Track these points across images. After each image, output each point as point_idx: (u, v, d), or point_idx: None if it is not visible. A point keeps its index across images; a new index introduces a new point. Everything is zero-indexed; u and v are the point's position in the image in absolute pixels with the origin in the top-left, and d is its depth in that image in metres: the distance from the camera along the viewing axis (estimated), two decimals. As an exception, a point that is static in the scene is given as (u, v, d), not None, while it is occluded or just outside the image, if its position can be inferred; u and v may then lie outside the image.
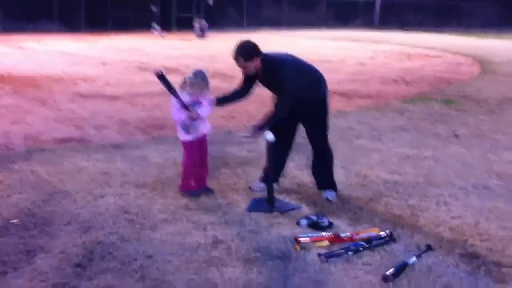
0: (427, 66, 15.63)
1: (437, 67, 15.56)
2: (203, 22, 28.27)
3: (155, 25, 29.78)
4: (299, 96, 4.44)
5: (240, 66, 4.54)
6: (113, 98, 9.49)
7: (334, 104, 9.29)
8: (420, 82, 12.22)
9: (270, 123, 4.49)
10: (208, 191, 4.67)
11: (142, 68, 13.89)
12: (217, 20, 35.51)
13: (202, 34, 27.46)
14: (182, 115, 4.42)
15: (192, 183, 4.64)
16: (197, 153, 4.61)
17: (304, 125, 4.69)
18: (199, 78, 4.43)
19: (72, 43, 22.54)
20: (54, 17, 31.97)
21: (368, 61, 16.73)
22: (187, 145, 4.61)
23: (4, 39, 22.61)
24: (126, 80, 11.80)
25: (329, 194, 4.59)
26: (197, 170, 4.64)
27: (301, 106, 4.49)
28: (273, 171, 4.58)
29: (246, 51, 4.51)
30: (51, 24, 31.28)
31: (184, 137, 4.58)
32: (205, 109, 4.52)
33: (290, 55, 4.77)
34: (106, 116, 7.97)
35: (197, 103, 4.46)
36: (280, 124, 4.54)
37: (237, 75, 12.78)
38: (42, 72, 12.55)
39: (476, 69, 15.35)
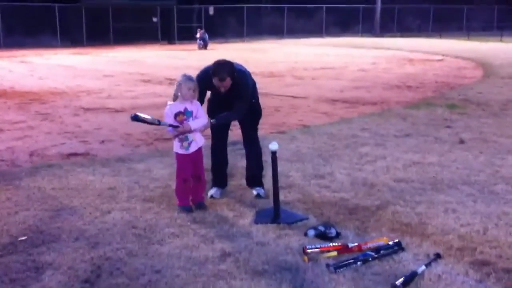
0: (429, 71, 15.65)
1: (438, 71, 15.58)
2: (204, 32, 28.37)
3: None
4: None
5: (224, 85, 4.66)
6: (116, 110, 9.52)
7: (337, 111, 9.35)
8: (422, 87, 12.23)
9: (225, 119, 4.87)
10: (201, 207, 4.62)
11: (144, 80, 13.94)
12: (218, 30, 35.63)
13: (203, 44, 27.56)
14: (174, 123, 4.40)
15: (187, 198, 4.59)
16: (189, 167, 4.57)
17: (244, 125, 5.15)
18: (187, 78, 4.41)
19: (74, 56, 22.66)
20: (56, 31, 32.14)
21: (369, 67, 16.76)
22: (179, 157, 4.58)
23: (6, 55, 22.74)
24: (128, 92, 11.84)
25: (259, 191, 4.95)
26: (189, 185, 4.59)
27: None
28: (217, 173, 5.09)
29: (232, 70, 4.71)
30: (52, 38, 31.47)
31: (175, 149, 4.55)
32: (199, 121, 4.50)
33: (239, 64, 5.09)
34: (110, 129, 7.99)
35: (191, 112, 4.43)
36: (221, 127, 4.98)
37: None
38: (45, 87, 12.61)
39: (478, 72, 15.35)
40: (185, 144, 4.48)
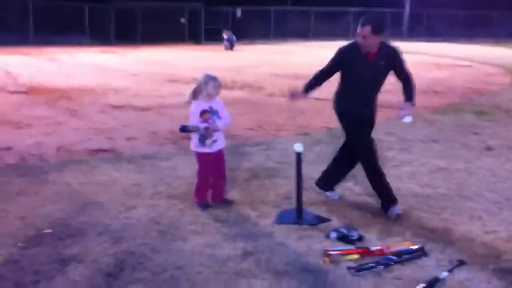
0: (457, 76, 15.46)
1: (466, 77, 15.39)
2: (231, 33, 28.46)
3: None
4: None
5: (363, 36, 4.35)
6: (143, 109, 9.61)
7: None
8: (450, 93, 12.10)
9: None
10: (226, 203, 4.67)
11: (171, 80, 14.04)
12: (245, 32, 35.68)
13: (230, 45, 27.64)
14: (200, 124, 4.43)
15: (205, 195, 4.64)
16: (211, 166, 4.60)
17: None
18: (213, 77, 4.46)
19: (102, 55, 22.93)
20: (85, 30, 32.57)
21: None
22: (201, 157, 4.61)
23: (36, 52, 23.12)
24: (155, 91, 11.94)
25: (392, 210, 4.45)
26: (210, 183, 4.64)
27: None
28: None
29: (377, 23, 4.40)
30: (82, 37, 31.89)
31: (197, 148, 4.57)
32: (224, 120, 4.53)
33: None
34: (136, 127, 8.07)
35: (216, 111, 4.46)
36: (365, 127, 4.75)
37: (265, 86, 12.92)
38: (73, 84, 12.79)
39: (506, 79, 15.12)
40: (208, 142, 4.50)
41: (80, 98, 10.70)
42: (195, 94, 4.47)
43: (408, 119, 4.62)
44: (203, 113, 4.44)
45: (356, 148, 4.73)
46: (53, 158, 6.24)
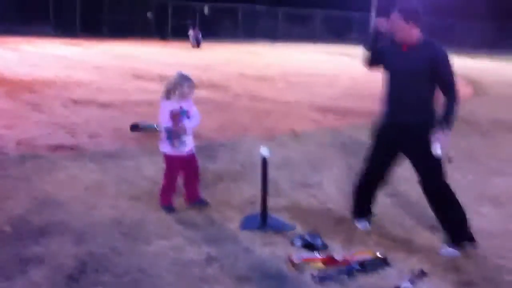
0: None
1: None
2: (198, 31, 28.31)
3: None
4: None
5: (392, 22, 3.85)
6: (107, 105, 9.46)
7: (328, 119, 9.37)
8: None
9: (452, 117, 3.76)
10: (202, 203, 4.65)
11: (137, 76, 13.88)
12: (212, 29, 35.56)
13: (196, 43, 27.50)
14: (169, 123, 4.38)
15: (170, 198, 4.60)
16: (178, 168, 4.56)
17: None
18: (187, 77, 4.42)
19: (66, 47, 22.50)
20: (49, 20, 31.90)
21: (362, 77, 16.79)
22: (168, 159, 4.56)
23: (-2, 41, 22.53)
24: (120, 87, 11.78)
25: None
26: (174, 186, 4.60)
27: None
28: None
29: (409, 9, 3.82)
30: (46, 27, 31.22)
31: (166, 149, 4.52)
32: (194, 121, 4.49)
33: None
34: (99, 123, 7.94)
35: (186, 111, 4.42)
36: (380, 149, 4.21)
37: (230, 86, 12.88)
38: (36, 76, 12.50)
39: (468, 90, 15.45)
40: (177, 143, 4.44)
41: (42, 91, 10.47)
42: (168, 94, 4.40)
43: (438, 151, 3.77)
44: (173, 113, 4.38)
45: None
46: (12, 152, 6.07)
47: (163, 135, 4.47)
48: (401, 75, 3.93)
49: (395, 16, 3.80)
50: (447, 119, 3.75)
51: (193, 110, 4.50)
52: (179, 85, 4.35)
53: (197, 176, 4.70)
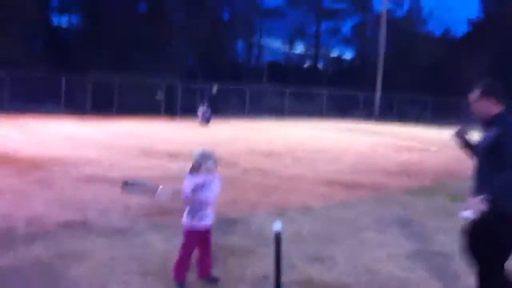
0: (427, 160, 15.78)
1: (437, 160, 15.72)
2: (206, 109, 28.82)
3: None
4: None
5: (474, 105, 4.00)
6: (116, 182, 9.47)
7: (336, 194, 9.34)
8: (421, 175, 12.29)
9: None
10: (214, 281, 4.58)
11: (146, 153, 14.00)
12: (220, 107, 36.20)
13: (205, 120, 27.93)
14: (191, 195, 4.37)
15: (184, 273, 4.53)
16: (197, 241, 4.53)
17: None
18: (208, 153, 4.52)
19: (76, 125, 22.88)
20: (60, 99, 32.66)
21: (368, 152, 16.91)
22: (188, 231, 4.53)
23: (9, 119, 22.97)
24: (129, 164, 11.86)
25: None
26: (189, 260, 4.55)
27: None
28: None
29: (487, 85, 3.96)
30: (57, 105, 31.91)
31: (188, 222, 4.50)
32: (214, 192, 4.50)
33: None
34: (109, 200, 7.93)
35: (208, 184, 4.45)
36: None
37: (239, 161, 12.95)
38: (46, 154, 12.63)
39: (476, 164, 15.46)
40: (199, 216, 4.44)
41: (52, 169, 10.54)
42: (193, 169, 4.46)
43: (468, 215, 3.77)
44: (196, 186, 4.40)
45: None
46: (22, 231, 6.04)
47: (186, 208, 4.49)
48: (478, 154, 3.98)
49: (475, 93, 3.93)
50: (494, 192, 3.64)
51: (216, 183, 4.52)
52: (204, 160, 4.42)
53: (210, 252, 4.65)
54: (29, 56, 36.24)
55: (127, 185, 4.39)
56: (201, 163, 4.45)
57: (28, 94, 30.77)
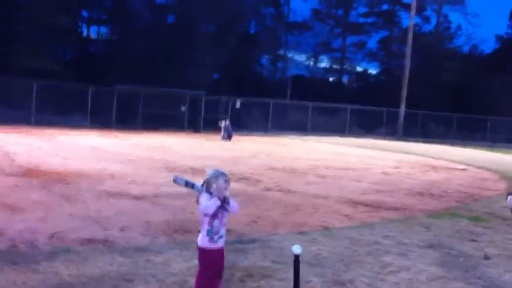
0: (452, 180, 15.57)
1: (462, 181, 15.49)
2: (229, 124, 28.92)
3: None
4: None
5: None
6: (138, 197, 9.56)
7: (359, 214, 9.26)
8: (445, 196, 12.12)
9: None
10: None
11: (169, 168, 14.09)
12: (243, 122, 36.35)
13: (227, 135, 28.02)
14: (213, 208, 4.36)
15: None
16: (215, 263, 4.51)
17: None
18: (220, 173, 4.45)
19: (102, 138, 23.15)
20: (87, 112, 33.13)
21: (392, 171, 16.76)
22: (207, 253, 4.49)
23: (36, 132, 23.37)
24: (152, 179, 11.94)
25: None
26: (210, 283, 4.49)
27: None
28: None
29: None
30: (83, 119, 32.38)
31: (205, 244, 4.45)
32: (233, 207, 4.49)
33: None
34: (131, 216, 7.99)
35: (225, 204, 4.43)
36: None
37: (261, 178, 12.96)
38: (71, 167, 12.80)
39: (502, 185, 15.22)
40: (216, 237, 4.43)
41: (76, 183, 10.67)
42: (207, 187, 4.45)
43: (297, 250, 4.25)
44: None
45: None
46: (45, 246, 6.11)
47: (202, 231, 4.45)
48: None
49: None
50: None
51: (231, 201, 4.50)
52: (215, 179, 4.40)
53: (221, 274, 4.60)
54: (58, 67, 36.90)
55: (176, 179, 4.51)
56: (212, 182, 4.40)
57: (55, 106, 31.31)
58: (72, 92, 32.20)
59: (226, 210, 4.44)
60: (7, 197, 8.76)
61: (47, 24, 35.34)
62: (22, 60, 33.87)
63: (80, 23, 48.49)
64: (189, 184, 4.53)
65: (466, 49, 57.41)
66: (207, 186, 4.44)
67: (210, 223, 4.43)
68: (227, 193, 4.46)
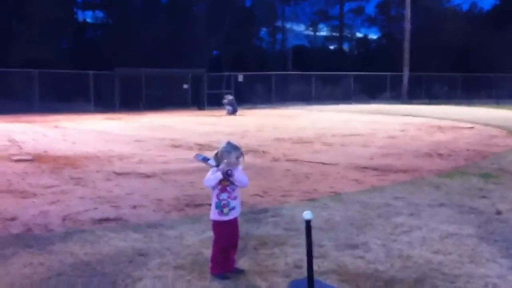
0: (460, 139, 15.53)
1: (469, 139, 15.45)
2: (233, 98, 28.85)
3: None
4: None
5: None
6: (147, 175, 9.59)
7: (368, 178, 9.26)
8: (454, 155, 12.10)
9: None
10: (239, 272, 4.59)
11: (175, 145, 14.11)
12: (246, 96, 36.23)
13: (232, 110, 27.97)
14: (216, 183, 4.39)
15: (221, 266, 4.54)
16: (228, 236, 4.55)
17: None
18: (235, 147, 4.46)
19: (106, 122, 23.17)
20: (90, 97, 33.12)
21: (398, 134, 16.72)
22: (219, 226, 4.54)
23: (41, 119, 23.40)
24: (159, 157, 11.97)
25: None
26: (226, 253, 4.56)
27: None
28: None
29: None
30: (86, 104, 32.39)
31: (216, 216, 4.51)
32: (242, 181, 4.49)
33: None
34: (141, 194, 8.03)
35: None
36: None
37: (268, 150, 12.96)
38: (78, 151, 12.84)
39: (510, 141, 15.17)
40: (226, 210, 4.46)
41: (85, 166, 10.71)
42: (216, 158, 4.46)
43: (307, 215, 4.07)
44: (221, 180, 4.41)
45: None
46: (58, 228, 6.16)
47: (212, 204, 4.49)
48: None
49: None
50: None
51: (242, 175, 4.49)
52: (228, 153, 4.40)
53: (236, 245, 4.65)
54: (58, 54, 36.79)
55: (196, 156, 4.57)
56: (224, 156, 4.39)
57: (58, 93, 31.28)
58: (73, 78, 32.16)
59: (232, 183, 4.45)
60: (17, 184, 8.81)
61: (43, 13, 35.13)
62: (20, 52, 33.80)
63: (75, 9, 48.18)
64: (206, 160, 4.55)
65: (465, 7, 56.78)
66: (219, 159, 4.45)
67: (218, 196, 4.46)
68: (239, 168, 4.47)
